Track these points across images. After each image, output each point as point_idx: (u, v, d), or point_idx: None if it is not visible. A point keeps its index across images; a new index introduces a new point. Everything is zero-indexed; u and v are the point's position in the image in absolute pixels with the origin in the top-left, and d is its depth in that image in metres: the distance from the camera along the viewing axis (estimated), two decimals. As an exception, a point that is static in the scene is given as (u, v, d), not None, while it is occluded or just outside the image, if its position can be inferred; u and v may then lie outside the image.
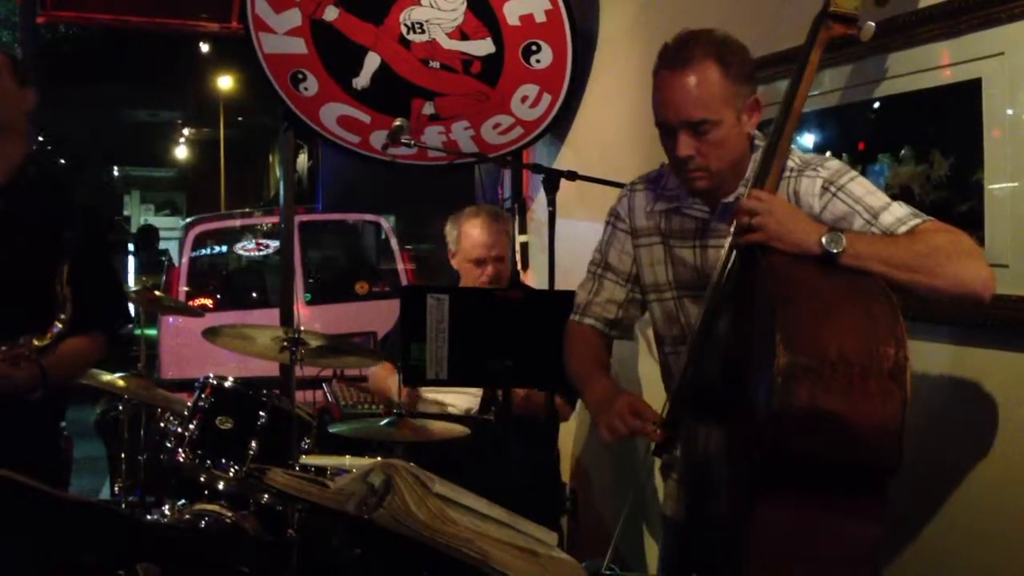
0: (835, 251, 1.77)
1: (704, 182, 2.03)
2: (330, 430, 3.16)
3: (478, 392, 3.44)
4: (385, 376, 3.58)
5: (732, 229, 1.92)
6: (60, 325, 2.31)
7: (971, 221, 2.01)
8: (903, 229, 1.86)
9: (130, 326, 3.00)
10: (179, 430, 3.31)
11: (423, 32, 3.94)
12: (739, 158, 2.05)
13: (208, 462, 3.20)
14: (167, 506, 3.14)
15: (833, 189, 1.96)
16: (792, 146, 2.02)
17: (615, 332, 2.32)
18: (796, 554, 1.72)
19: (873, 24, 1.97)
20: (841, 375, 1.64)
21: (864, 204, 1.92)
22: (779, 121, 1.95)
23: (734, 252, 1.92)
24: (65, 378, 2.49)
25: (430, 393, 3.48)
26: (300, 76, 3.98)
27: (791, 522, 1.71)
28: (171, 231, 18.79)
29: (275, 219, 9.03)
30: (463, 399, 3.46)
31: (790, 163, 2.02)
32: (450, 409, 3.42)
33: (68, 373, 2.50)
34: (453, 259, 3.57)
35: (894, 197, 1.99)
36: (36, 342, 2.29)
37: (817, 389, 1.64)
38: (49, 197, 2.54)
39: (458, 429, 3.03)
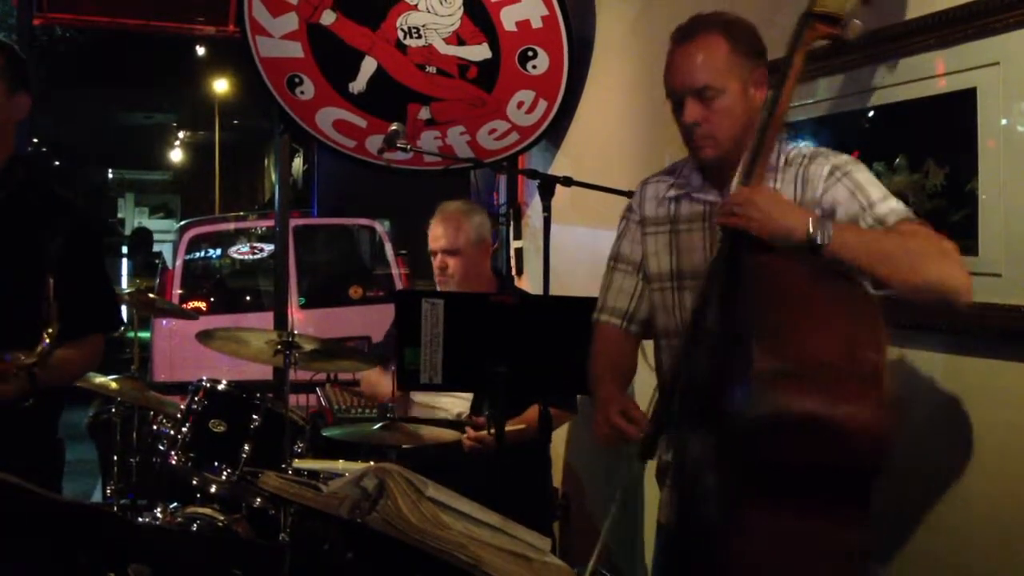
0: (821, 242, 1.76)
1: (711, 150, 2.05)
2: (323, 434, 3.16)
3: (469, 396, 3.43)
4: (377, 379, 3.58)
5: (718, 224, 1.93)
6: (48, 340, 2.23)
7: (965, 230, 2.02)
8: (893, 220, 1.87)
9: (123, 328, 2.98)
10: (172, 433, 3.31)
11: (420, 37, 3.94)
12: (747, 131, 2.03)
13: (201, 465, 3.20)
14: (159, 509, 3.13)
15: (839, 174, 1.97)
16: (805, 143, 2.06)
17: (633, 327, 2.29)
18: (783, 560, 1.71)
19: (860, 23, 1.95)
20: (820, 378, 1.64)
21: (864, 192, 1.93)
22: (762, 124, 1.94)
23: (725, 246, 1.92)
24: (57, 385, 2.43)
25: (420, 397, 3.48)
26: (296, 80, 3.98)
27: (777, 528, 1.70)
28: (165, 234, 18.80)
29: (270, 223, 9.02)
30: (455, 403, 3.45)
31: (804, 151, 2.04)
32: (441, 413, 3.42)
33: (60, 381, 2.44)
34: None
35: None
36: (23, 358, 2.23)
37: (795, 393, 1.64)
38: (37, 202, 2.46)
39: (451, 434, 3.03)
